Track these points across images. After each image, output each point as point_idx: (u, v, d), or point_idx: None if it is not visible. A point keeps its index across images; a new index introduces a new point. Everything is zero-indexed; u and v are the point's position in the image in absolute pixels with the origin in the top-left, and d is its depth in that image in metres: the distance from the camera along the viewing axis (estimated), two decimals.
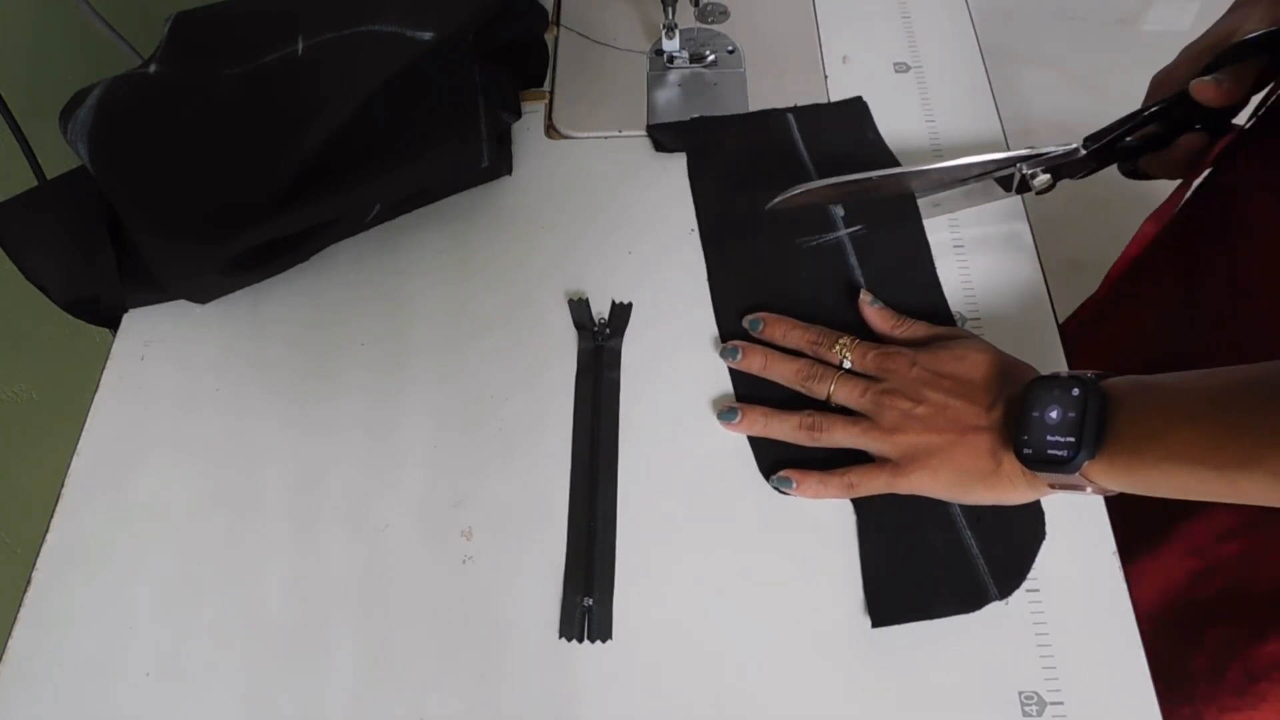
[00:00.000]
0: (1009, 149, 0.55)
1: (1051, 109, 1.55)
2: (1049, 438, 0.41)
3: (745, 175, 0.60)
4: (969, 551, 0.46)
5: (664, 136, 0.63)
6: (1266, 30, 0.47)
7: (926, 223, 0.57)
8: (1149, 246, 0.55)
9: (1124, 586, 0.45)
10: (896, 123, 0.63)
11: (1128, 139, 0.52)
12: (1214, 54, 0.49)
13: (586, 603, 0.46)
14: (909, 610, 0.45)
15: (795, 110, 0.63)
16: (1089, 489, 0.41)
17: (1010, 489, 0.44)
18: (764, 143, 0.62)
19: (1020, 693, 0.43)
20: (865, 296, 0.52)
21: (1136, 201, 0.64)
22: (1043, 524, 0.47)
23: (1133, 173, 0.55)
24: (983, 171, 0.54)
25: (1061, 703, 0.43)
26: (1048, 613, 0.45)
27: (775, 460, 0.50)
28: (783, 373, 0.51)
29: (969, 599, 0.45)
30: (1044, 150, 0.52)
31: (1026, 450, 0.42)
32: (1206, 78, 0.48)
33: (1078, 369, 0.43)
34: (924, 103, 0.64)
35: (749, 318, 0.53)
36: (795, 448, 0.50)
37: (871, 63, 0.66)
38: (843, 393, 0.49)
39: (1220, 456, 0.36)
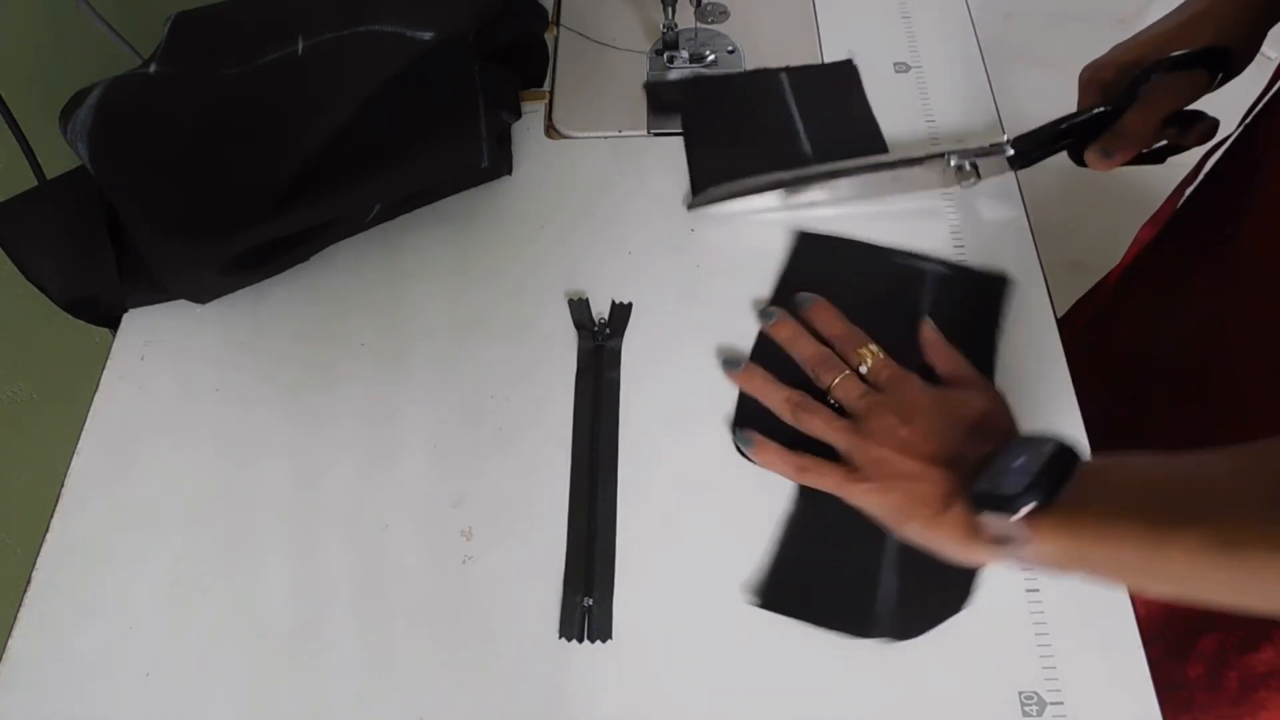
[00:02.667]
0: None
1: (1052, 109, 1.54)
2: (1004, 480, 0.39)
3: (738, 130, 0.63)
4: (881, 585, 0.46)
5: (662, 92, 0.65)
6: (1194, 50, 0.49)
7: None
8: (1144, 251, 0.56)
9: (1124, 586, 0.45)
10: (896, 123, 0.63)
11: (1062, 131, 0.54)
12: (1146, 65, 0.51)
13: (586, 603, 0.46)
14: (797, 608, 0.45)
15: (788, 70, 0.66)
16: (1026, 549, 0.39)
17: (945, 536, 0.42)
18: (757, 100, 0.64)
19: (1020, 693, 0.43)
20: (928, 324, 0.52)
21: (1137, 203, 0.64)
22: (966, 598, 0.45)
23: (1080, 161, 0.56)
24: (909, 162, 0.56)
25: (1061, 703, 0.43)
26: (1048, 613, 0.45)
27: (748, 424, 0.50)
28: (802, 350, 0.51)
29: (856, 623, 0.45)
30: (973, 147, 0.55)
31: (980, 487, 0.40)
32: (1095, 148, 0.52)
33: (1076, 370, 0.43)
34: (924, 103, 0.64)
35: (800, 294, 0.53)
36: (773, 421, 0.50)
37: (871, 63, 0.66)
38: (843, 388, 0.49)
39: (1156, 519, 0.34)
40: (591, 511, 0.49)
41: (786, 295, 0.55)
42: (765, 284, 0.56)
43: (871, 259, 0.56)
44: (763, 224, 0.59)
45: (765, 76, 0.66)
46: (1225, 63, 0.50)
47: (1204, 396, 0.54)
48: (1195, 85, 0.51)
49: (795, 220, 0.58)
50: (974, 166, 0.55)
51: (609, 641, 0.46)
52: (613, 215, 0.60)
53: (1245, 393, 0.51)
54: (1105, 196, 1.39)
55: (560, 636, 0.46)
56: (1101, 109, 0.52)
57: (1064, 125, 0.54)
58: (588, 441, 0.51)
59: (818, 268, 0.56)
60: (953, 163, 0.55)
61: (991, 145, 0.54)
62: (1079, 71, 0.56)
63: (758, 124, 0.63)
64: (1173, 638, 0.54)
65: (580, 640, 0.46)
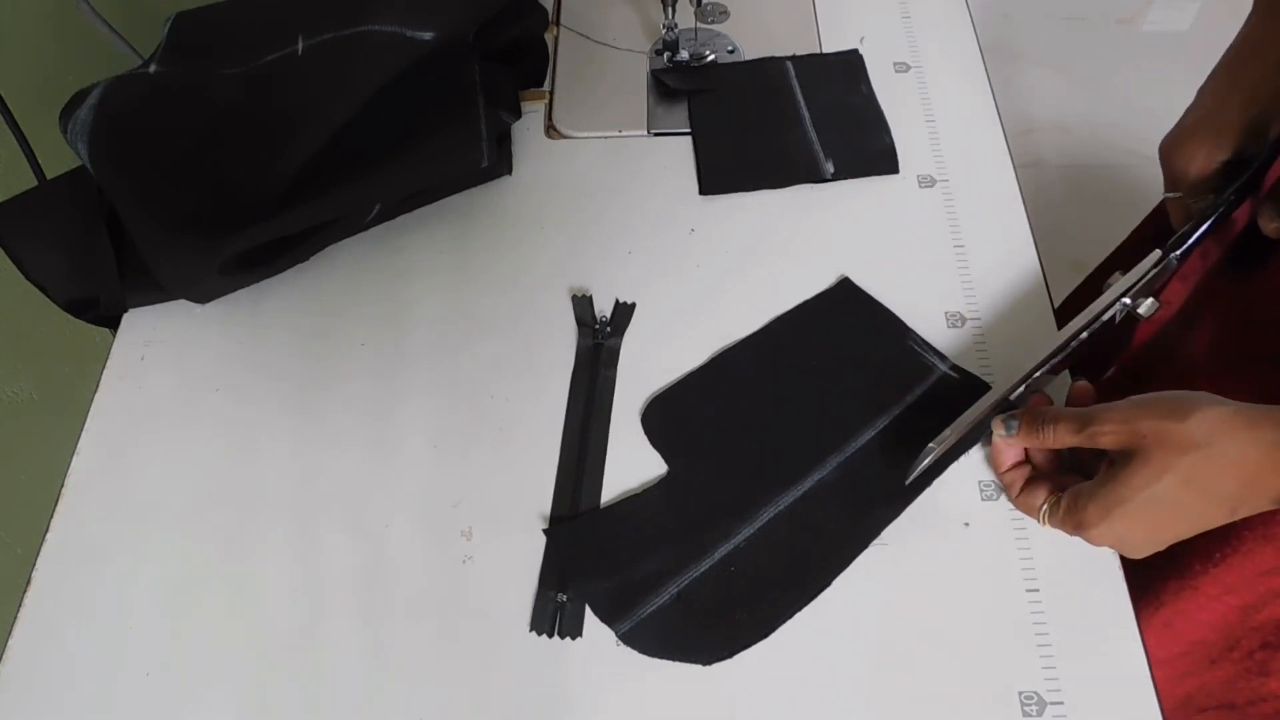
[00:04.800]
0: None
1: (1051, 109, 1.55)
2: None
3: (744, 118, 0.64)
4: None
5: (669, 79, 0.66)
6: None
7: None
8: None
9: (1124, 587, 0.45)
10: (897, 123, 0.63)
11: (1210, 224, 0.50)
12: (1236, 140, 0.49)
13: (561, 599, 0.46)
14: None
15: (794, 59, 0.67)
16: None
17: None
18: (763, 87, 0.66)
19: (1020, 693, 0.43)
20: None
21: (1136, 203, 0.64)
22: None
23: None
24: (1084, 335, 0.48)
25: (1061, 703, 0.43)
26: (1048, 613, 0.45)
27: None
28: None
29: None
30: (1136, 279, 0.48)
31: None
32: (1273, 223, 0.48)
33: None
34: (924, 103, 0.64)
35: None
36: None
37: (872, 63, 0.66)
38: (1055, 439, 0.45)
39: None
40: (574, 507, 0.49)
41: (803, 320, 0.55)
42: (765, 287, 0.56)
43: (891, 331, 0.54)
44: (763, 226, 0.59)
45: (771, 65, 0.66)
46: None
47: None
48: None
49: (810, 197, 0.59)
50: (1153, 295, 0.49)
51: (593, 639, 0.46)
52: (612, 215, 0.60)
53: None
54: (1105, 197, 1.39)
55: (531, 630, 0.46)
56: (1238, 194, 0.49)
57: (1210, 218, 0.50)
58: (577, 437, 0.51)
59: (841, 315, 0.55)
60: (1128, 304, 0.48)
61: (1154, 264, 0.48)
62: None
63: (764, 112, 0.64)
64: (1241, 658, 0.53)
65: (551, 635, 0.46)
